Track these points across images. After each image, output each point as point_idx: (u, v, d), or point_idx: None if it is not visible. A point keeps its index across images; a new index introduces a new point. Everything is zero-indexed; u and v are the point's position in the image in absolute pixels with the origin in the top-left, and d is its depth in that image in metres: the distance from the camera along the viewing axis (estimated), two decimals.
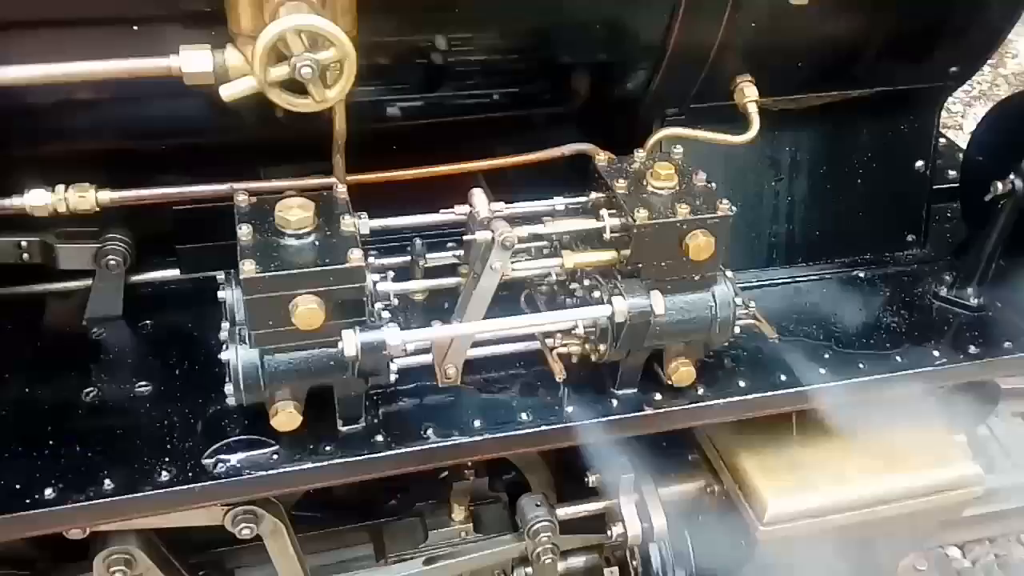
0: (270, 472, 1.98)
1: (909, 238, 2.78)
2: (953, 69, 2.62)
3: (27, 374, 2.16)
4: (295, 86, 1.72)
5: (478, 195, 2.10)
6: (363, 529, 2.77)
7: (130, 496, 1.92)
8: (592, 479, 2.55)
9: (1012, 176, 2.52)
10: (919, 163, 2.75)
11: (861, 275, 2.70)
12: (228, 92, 1.71)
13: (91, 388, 2.15)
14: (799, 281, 2.67)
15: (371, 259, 2.18)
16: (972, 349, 2.48)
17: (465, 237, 2.15)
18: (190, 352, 2.25)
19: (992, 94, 7.27)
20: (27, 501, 1.87)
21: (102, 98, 2.06)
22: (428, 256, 2.30)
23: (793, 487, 2.41)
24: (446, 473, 2.74)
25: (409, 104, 2.36)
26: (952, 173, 3.09)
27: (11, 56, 1.82)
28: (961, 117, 6.93)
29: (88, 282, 2.34)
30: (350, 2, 1.77)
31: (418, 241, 2.30)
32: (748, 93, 2.39)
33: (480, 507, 2.78)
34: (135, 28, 1.87)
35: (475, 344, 2.15)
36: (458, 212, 2.13)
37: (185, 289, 2.42)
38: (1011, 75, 7.56)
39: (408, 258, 2.31)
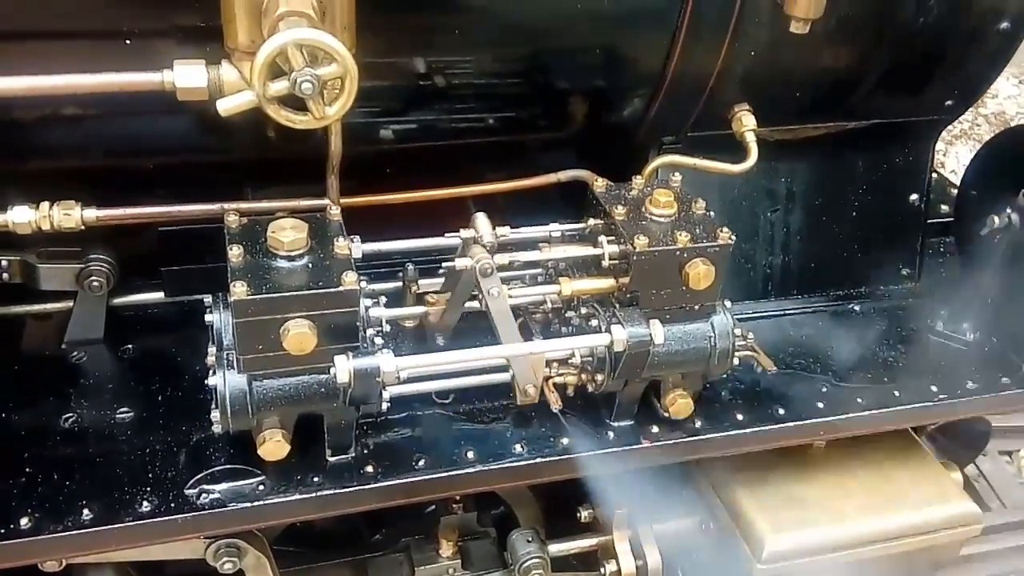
0: (255, 504, 1.91)
1: (904, 271, 2.76)
2: (948, 103, 2.62)
3: (3, 398, 2.08)
4: (294, 102, 1.67)
5: (481, 219, 2.06)
6: (347, 564, 2.68)
7: (110, 527, 1.85)
8: (585, 514, 2.49)
9: (1008, 210, 2.52)
10: (914, 196, 2.74)
11: (856, 308, 2.69)
12: (225, 106, 1.66)
13: (70, 413, 2.08)
14: (794, 313, 2.64)
15: (363, 284, 2.13)
16: (970, 384, 2.45)
17: (445, 264, 2.10)
18: (174, 377, 2.18)
19: (973, 133, 7.36)
20: (1, 531, 1.79)
21: (89, 114, 2.01)
22: (421, 282, 2.25)
23: (791, 524, 2.37)
24: (433, 507, 2.67)
25: (404, 127, 2.31)
26: (944, 207, 3.09)
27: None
28: (943, 156, 6.99)
29: (69, 303, 2.27)
30: (350, 18, 1.73)
31: (411, 266, 2.26)
32: (746, 122, 2.38)
33: (468, 542, 2.71)
34: (127, 42, 1.82)
35: (468, 373, 2.09)
36: (461, 236, 2.09)
37: (169, 312, 2.36)
38: (991, 115, 7.66)
39: (399, 283, 2.27)
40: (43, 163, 2.13)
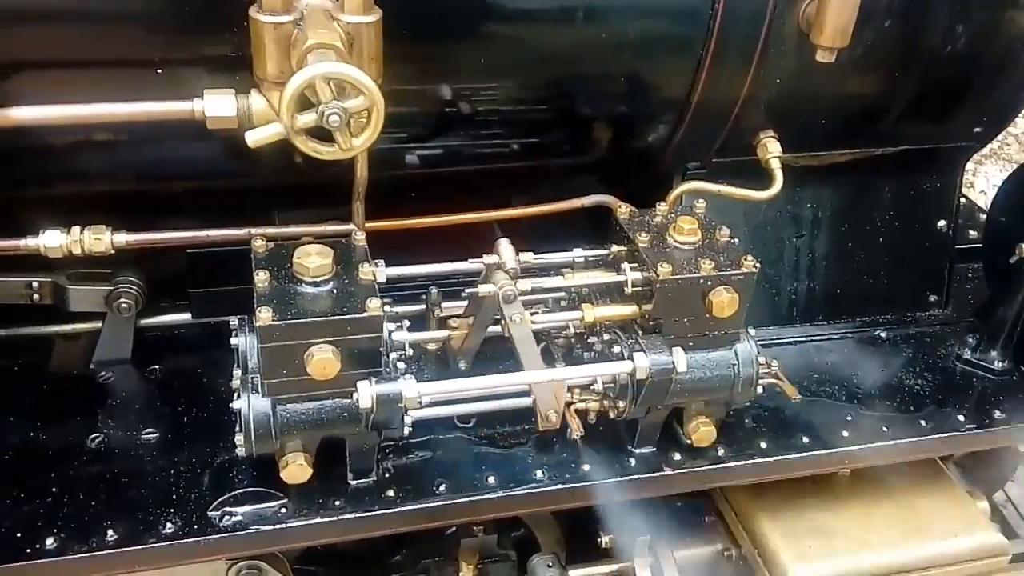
0: (277, 527, 1.93)
1: (931, 298, 2.74)
2: (977, 129, 2.60)
3: (32, 418, 2.11)
4: (321, 133, 1.69)
5: (505, 246, 2.07)
6: None
7: (133, 548, 1.86)
8: (606, 540, 2.48)
9: None
10: (941, 223, 2.72)
11: (882, 335, 2.67)
12: (254, 138, 1.68)
13: (97, 434, 2.10)
14: (819, 340, 2.62)
15: (386, 308, 2.14)
16: (997, 415, 2.43)
17: (468, 290, 2.11)
18: (199, 399, 2.20)
19: (1003, 153, 7.27)
20: (27, 551, 1.82)
21: (118, 140, 2.04)
22: (444, 305, 2.26)
23: (814, 553, 2.34)
24: (454, 529, 2.67)
25: (428, 152, 2.33)
26: (973, 233, 3.07)
27: (32, 95, 1.81)
28: (972, 175, 6.91)
29: (97, 324, 2.30)
30: (377, 50, 1.75)
31: (434, 290, 2.26)
32: (771, 149, 2.37)
33: (488, 565, 2.70)
34: (159, 72, 1.85)
35: (490, 397, 2.10)
36: (484, 262, 2.09)
37: (196, 334, 2.38)
38: (1022, 134, 7.57)
39: (423, 307, 2.27)
40: (73, 187, 2.16)
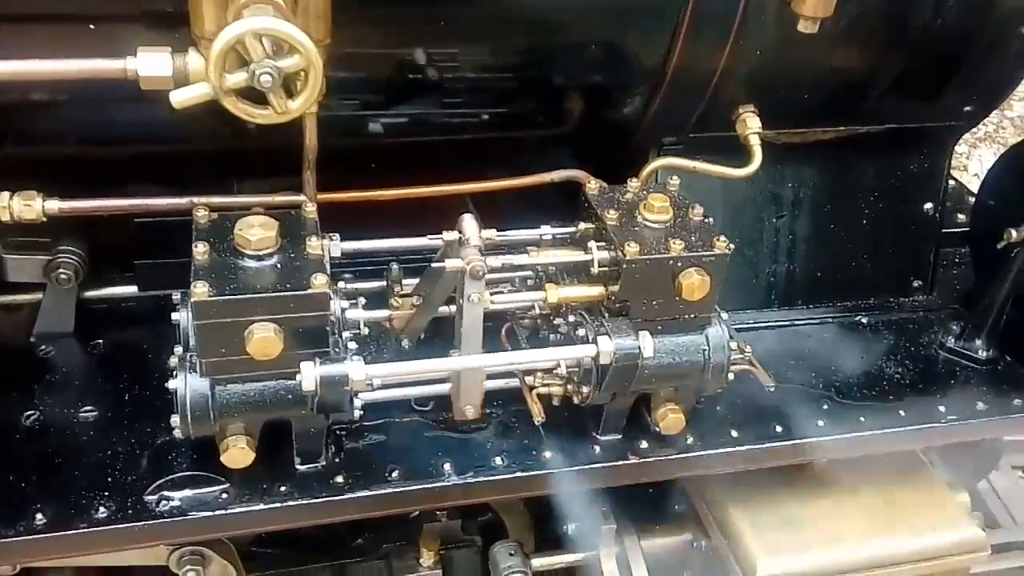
0: (217, 513, 1.83)
1: (915, 283, 2.65)
2: (967, 108, 2.50)
3: None
4: (257, 95, 1.57)
5: (468, 221, 1.96)
6: (325, 569, 2.60)
7: (62, 533, 1.77)
8: (571, 528, 2.39)
9: None
10: (928, 205, 2.63)
11: (863, 321, 2.58)
12: (179, 98, 1.56)
13: (32, 411, 2.01)
14: (797, 324, 2.54)
15: (342, 284, 2.05)
16: (980, 405, 2.34)
17: (433, 264, 2.00)
18: (142, 376, 2.10)
19: (998, 137, 7.17)
20: None
21: (60, 100, 1.93)
22: (405, 282, 2.16)
23: (785, 545, 2.26)
24: (416, 512, 2.58)
25: (391, 120, 2.22)
26: (961, 217, 2.98)
27: None
28: (966, 159, 6.82)
29: (39, 295, 2.19)
30: (324, 7, 1.63)
31: (395, 266, 2.17)
32: (751, 124, 2.27)
33: (451, 551, 2.61)
34: (91, 27, 1.73)
35: (447, 380, 2.00)
36: (444, 238, 1.98)
37: (142, 307, 2.28)
38: (1017, 118, 7.46)
39: (384, 283, 2.17)
40: (10, 151, 2.05)
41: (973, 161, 6.85)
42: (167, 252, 2.19)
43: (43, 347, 2.16)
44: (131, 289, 2.29)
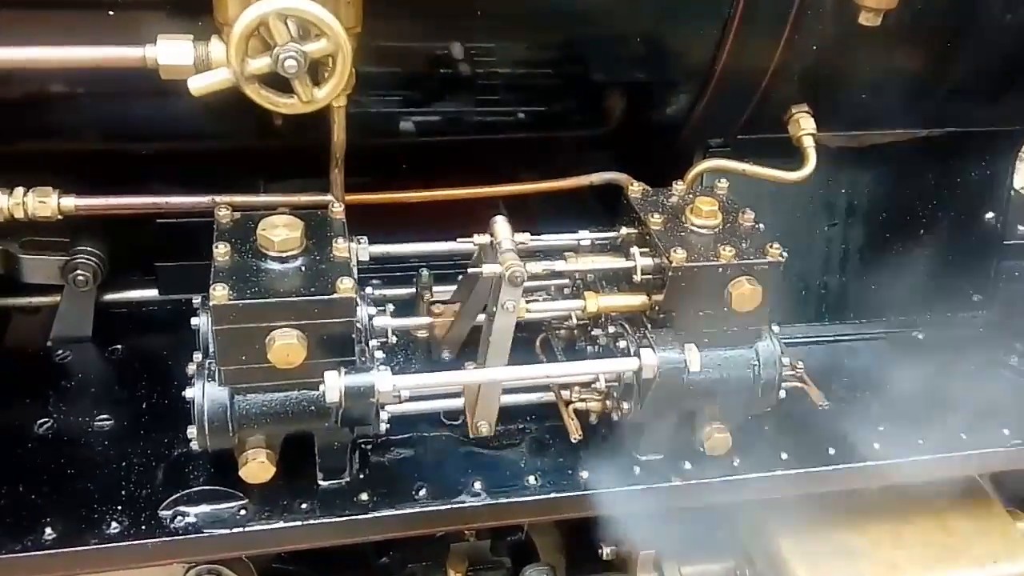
0: (235, 530, 1.74)
1: (975, 298, 2.55)
2: None
3: None
4: (280, 83, 1.47)
5: (500, 223, 1.85)
6: None
7: (72, 549, 1.68)
8: (607, 551, 2.28)
9: None
10: (989, 215, 2.52)
11: (920, 336, 2.47)
12: (197, 84, 1.47)
13: (46, 419, 1.94)
14: (850, 340, 2.44)
15: (369, 289, 1.95)
16: None
17: (470, 269, 1.89)
18: (162, 384, 2.03)
19: None
20: None
21: (79, 93, 1.86)
22: (435, 289, 2.06)
23: None
24: (443, 531, 2.47)
25: (424, 119, 2.14)
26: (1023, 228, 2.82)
27: None
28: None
29: (57, 298, 2.12)
30: None
31: (425, 272, 2.09)
32: (804, 125, 2.18)
33: (480, 572, 2.50)
34: (110, 13, 1.64)
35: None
36: (477, 241, 1.88)
37: (163, 312, 2.22)
38: None
39: (412, 290, 2.07)
40: (31, 146, 1.98)
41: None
42: (189, 254, 2.13)
43: (60, 351, 2.10)
44: (152, 292, 2.23)
